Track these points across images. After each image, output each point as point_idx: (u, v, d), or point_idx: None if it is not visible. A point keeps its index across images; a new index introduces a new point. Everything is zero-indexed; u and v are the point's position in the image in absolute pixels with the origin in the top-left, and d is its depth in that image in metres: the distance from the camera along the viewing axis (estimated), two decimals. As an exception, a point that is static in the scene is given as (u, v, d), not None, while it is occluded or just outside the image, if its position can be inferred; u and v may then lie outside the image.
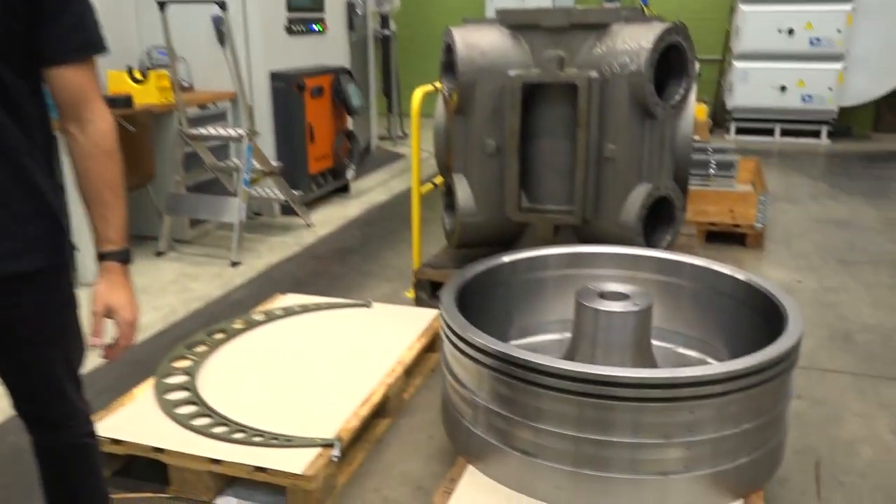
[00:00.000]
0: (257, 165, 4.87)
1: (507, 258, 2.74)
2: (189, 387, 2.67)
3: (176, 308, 3.91)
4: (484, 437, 2.15)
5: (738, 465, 2.01)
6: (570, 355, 2.39)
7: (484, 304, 2.64)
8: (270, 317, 3.34)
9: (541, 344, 2.82)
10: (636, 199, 3.21)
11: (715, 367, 2.00)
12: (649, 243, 3.33)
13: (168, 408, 2.53)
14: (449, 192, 3.63)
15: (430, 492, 2.34)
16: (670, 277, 2.80)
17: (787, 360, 2.02)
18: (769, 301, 2.36)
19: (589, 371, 1.91)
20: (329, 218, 5.64)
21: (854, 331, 3.52)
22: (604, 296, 2.38)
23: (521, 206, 3.40)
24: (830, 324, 3.60)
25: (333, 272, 4.48)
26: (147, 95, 4.57)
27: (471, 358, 2.11)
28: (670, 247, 3.42)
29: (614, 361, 2.30)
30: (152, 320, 3.70)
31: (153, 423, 2.45)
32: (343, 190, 6.33)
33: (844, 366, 3.17)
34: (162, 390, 2.64)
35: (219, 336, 3.11)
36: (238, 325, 3.23)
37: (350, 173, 6.39)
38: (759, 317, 2.43)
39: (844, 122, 8.56)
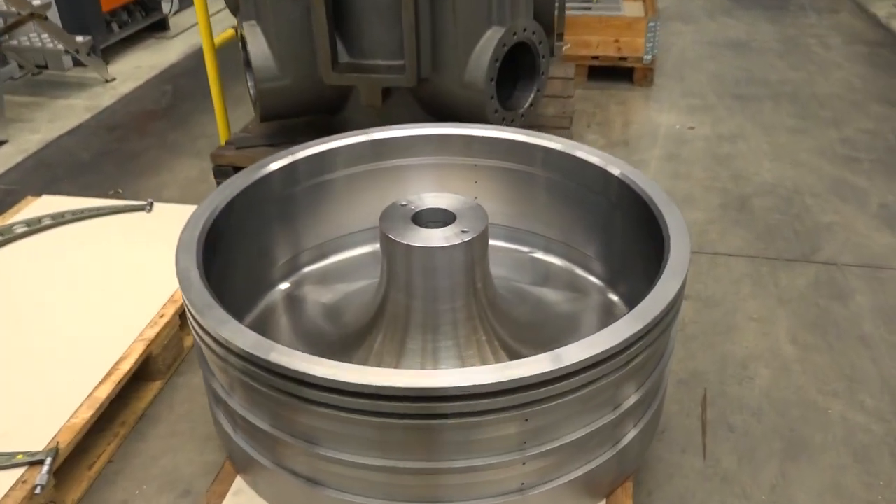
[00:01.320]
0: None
1: (276, 164, 1.92)
2: None
3: None
4: (247, 450, 1.48)
5: (599, 465, 1.44)
6: (380, 306, 1.70)
7: (257, 230, 1.88)
8: (6, 236, 2.46)
9: (345, 265, 2.11)
10: (485, 49, 2.39)
11: (550, 361, 1.31)
12: (506, 105, 2.58)
13: None
14: (244, 45, 2.69)
15: (200, 499, 1.70)
16: (522, 165, 2.08)
17: (657, 331, 1.39)
18: (649, 212, 1.69)
19: (375, 382, 1.22)
20: (137, 68, 4.53)
21: (751, 194, 2.97)
22: (419, 218, 1.65)
23: (337, 64, 2.53)
24: (724, 187, 3.03)
25: (129, 149, 3.52)
26: None
27: (214, 353, 1.38)
28: (534, 106, 2.68)
29: (440, 313, 1.63)
30: None
31: None
32: (159, 27, 5.12)
33: (740, 246, 2.63)
34: None
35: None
36: (-46, 254, 2.35)
37: (167, 5, 5.15)
38: (637, 226, 1.78)
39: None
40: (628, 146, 3.40)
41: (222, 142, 3.06)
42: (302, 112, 2.75)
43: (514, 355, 1.70)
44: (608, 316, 1.89)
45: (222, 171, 2.84)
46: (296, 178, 1.94)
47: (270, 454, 1.43)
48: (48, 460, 1.61)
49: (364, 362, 1.69)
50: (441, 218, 1.68)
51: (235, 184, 1.78)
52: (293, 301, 1.98)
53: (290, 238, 2.01)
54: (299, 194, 1.97)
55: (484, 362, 1.66)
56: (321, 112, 2.76)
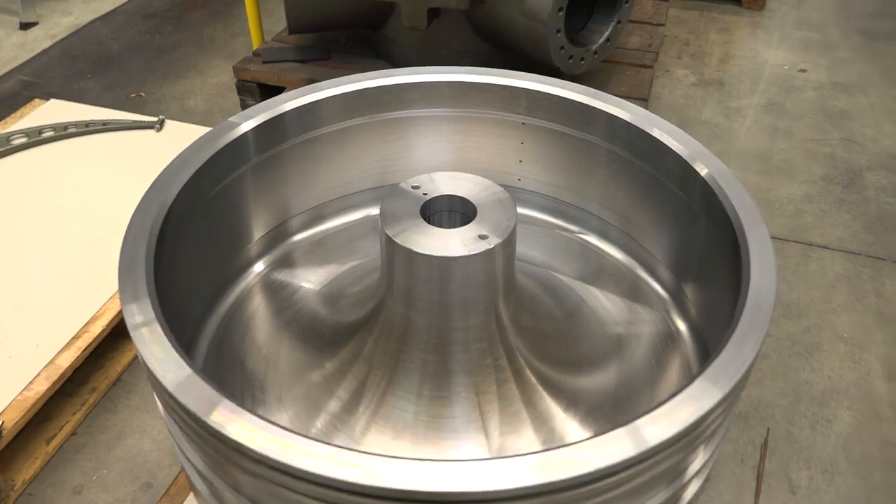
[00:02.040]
0: None
1: (247, 124, 1.52)
2: None
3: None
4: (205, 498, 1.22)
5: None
6: (375, 306, 1.37)
7: (238, 197, 1.54)
8: (1, 148, 2.22)
9: (341, 231, 1.75)
10: (555, -30, 1.93)
11: (620, 444, 0.93)
12: (576, 40, 2.13)
13: None
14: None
15: (159, 495, 1.50)
16: (577, 131, 1.66)
17: (733, 396, 1.02)
18: (730, 228, 1.29)
19: (378, 483, 0.89)
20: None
21: (864, 167, 2.46)
22: (430, 209, 1.29)
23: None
24: (832, 153, 2.52)
25: (161, 43, 3.20)
26: None
27: (166, 408, 1.08)
28: (612, 41, 2.22)
29: (447, 331, 1.30)
30: None
31: None
32: None
33: (840, 237, 2.18)
34: None
35: None
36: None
37: None
38: (721, 240, 1.38)
39: None
40: (723, 87, 2.88)
41: (255, 46, 2.71)
42: (335, 26, 2.37)
43: (541, 379, 1.38)
44: (667, 347, 1.51)
45: (246, 88, 2.52)
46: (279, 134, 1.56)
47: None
48: (-10, 440, 1.42)
49: (349, 366, 1.39)
50: (458, 209, 1.33)
51: (198, 154, 1.42)
52: (274, 283, 1.65)
53: (273, 208, 1.66)
54: (286, 154, 1.60)
55: (500, 398, 1.34)
56: (358, 27, 2.37)
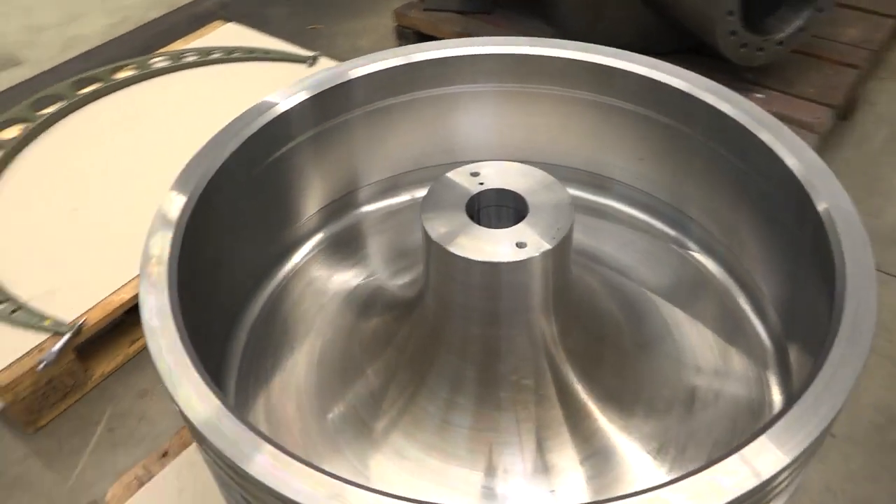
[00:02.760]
0: None
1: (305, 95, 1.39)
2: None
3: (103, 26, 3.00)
4: None
5: None
6: (413, 300, 1.26)
7: (300, 167, 1.45)
8: (170, 63, 2.38)
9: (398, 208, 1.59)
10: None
11: None
12: (757, 27, 1.81)
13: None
14: None
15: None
16: (675, 121, 1.40)
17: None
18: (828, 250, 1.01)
19: None
20: None
21: None
22: (478, 204, 1.16)
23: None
24: None
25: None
26: None
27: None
28: (806, 31, 1.87)
29: (487, 339, 1.17)
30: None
31: None
32: None
33: None
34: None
35: (86, 90, 2.25)
36: (121, 73, 2.32)
37: None
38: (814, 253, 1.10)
39: None
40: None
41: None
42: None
43: (576, 407, 1.22)
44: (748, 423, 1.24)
45: (404, 34, 2.47)
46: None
47: None
48: (67, 336, 1.55)
49: (384, 354, 1.31)
50: (510, 204, 1.18)
51: (255, 120, 1.34)
52: (331, 256, 1.56)
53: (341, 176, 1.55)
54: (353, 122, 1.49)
55: (538, 420, 1.20)
56: (514, 3, 2.21)
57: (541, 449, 1.16)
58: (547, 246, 1.04)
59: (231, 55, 2.41)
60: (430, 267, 1.13)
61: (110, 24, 2.94)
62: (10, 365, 1.50)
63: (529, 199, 1.13)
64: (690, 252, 1.45)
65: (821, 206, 1.12)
